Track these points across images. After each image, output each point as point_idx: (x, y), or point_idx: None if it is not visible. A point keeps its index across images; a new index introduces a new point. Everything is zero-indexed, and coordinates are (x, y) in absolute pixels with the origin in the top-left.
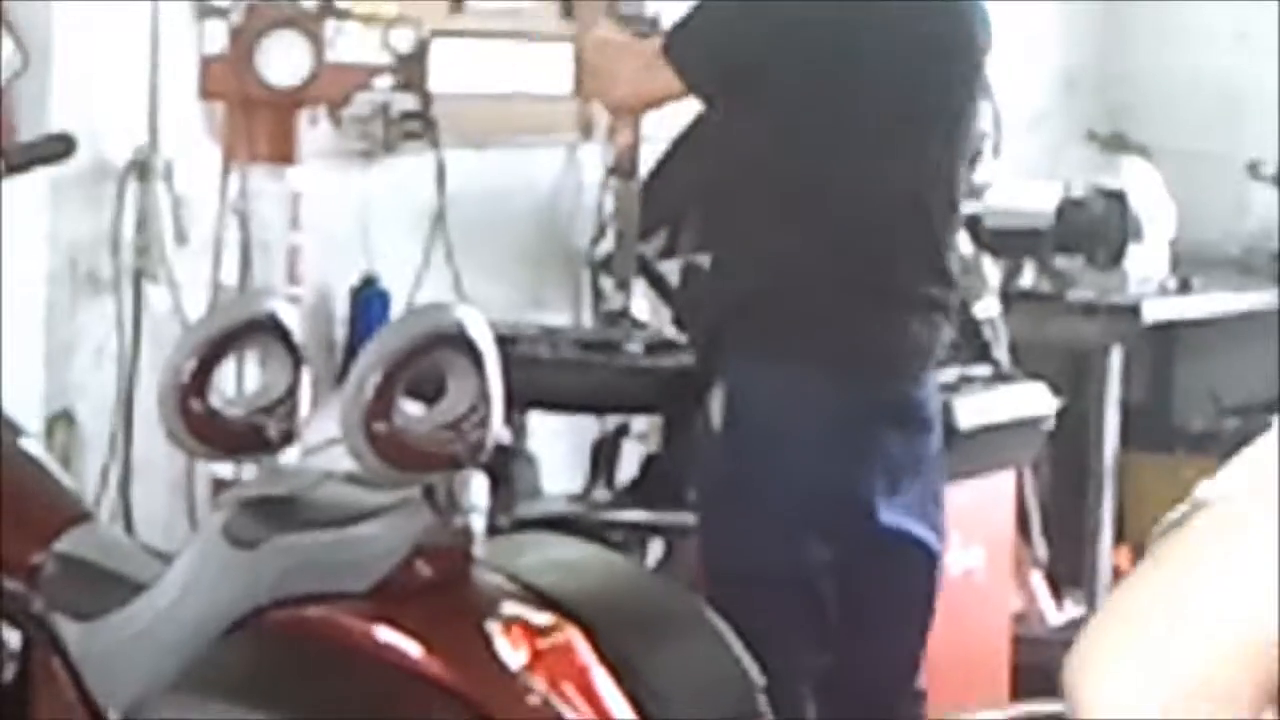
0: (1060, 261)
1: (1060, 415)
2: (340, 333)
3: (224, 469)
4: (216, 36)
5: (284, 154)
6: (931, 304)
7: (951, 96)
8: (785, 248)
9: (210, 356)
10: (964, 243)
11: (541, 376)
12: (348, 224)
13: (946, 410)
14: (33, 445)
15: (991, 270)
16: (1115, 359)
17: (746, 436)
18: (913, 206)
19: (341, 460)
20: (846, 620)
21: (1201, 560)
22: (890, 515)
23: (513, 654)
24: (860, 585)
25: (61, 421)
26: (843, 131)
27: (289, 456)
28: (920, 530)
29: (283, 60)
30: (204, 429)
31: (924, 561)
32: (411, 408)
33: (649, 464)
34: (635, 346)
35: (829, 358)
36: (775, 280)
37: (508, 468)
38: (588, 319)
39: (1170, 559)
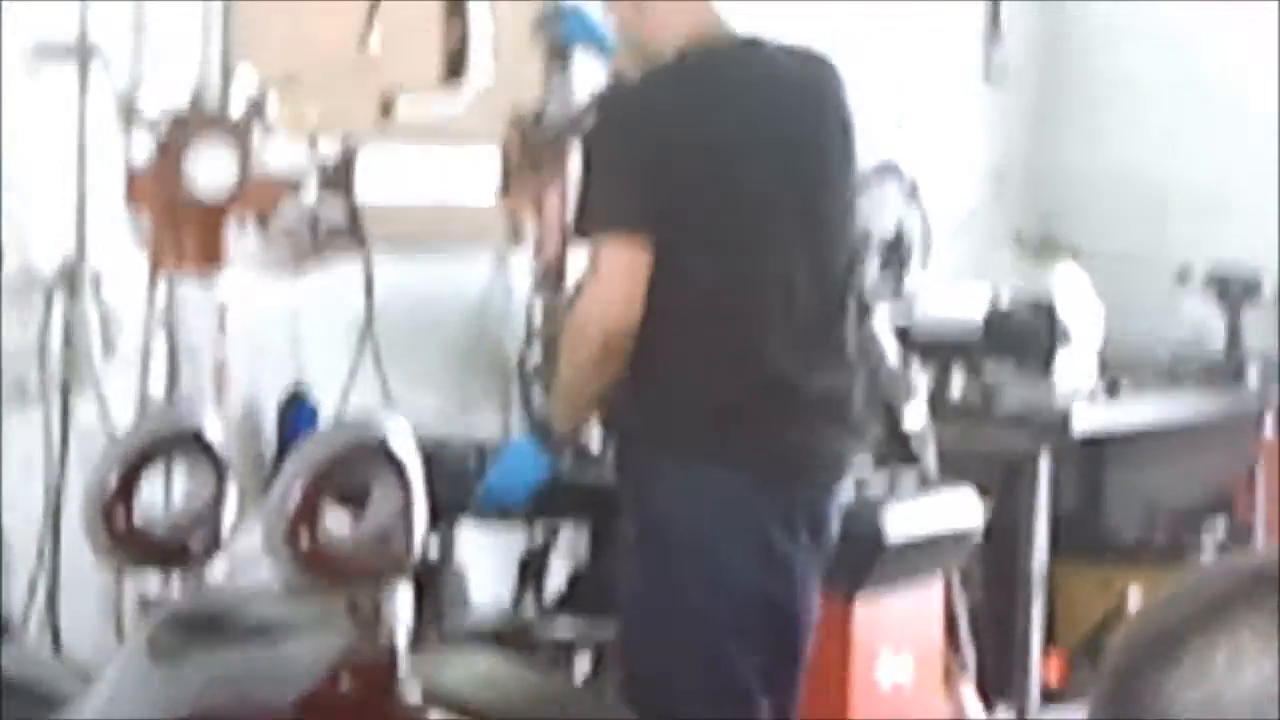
0: (989, 370)
1: (990, 523)
2: (268, 444)
3: (151, 582)
4: (144, 145)
5: (211, 263)
6: (841, 413)
7: (840, 183)
8: (695, 356)
9: (135, 468)
10: (892, 351)
11: (469, 487)
12: (276, 333)
13: (875, 520)
14: None
15: (920, 379)
16: (1044, 467)
17: (661, 545)
18: (819, 307)
19: (268, 574)
20: None
21: None
22: (807, 620)
23: None
24: (783, 693)
25: None
26: (743, 239)
27: (215, 569)
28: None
29: (210, 169)
30: (129, 542)
31: None
32: (337, 517)
33: (577, 577)
34: (562, 456)
35: (741, 464)
36: (684, 388)
37: (436, 580)
38: (517, 427)
39: None
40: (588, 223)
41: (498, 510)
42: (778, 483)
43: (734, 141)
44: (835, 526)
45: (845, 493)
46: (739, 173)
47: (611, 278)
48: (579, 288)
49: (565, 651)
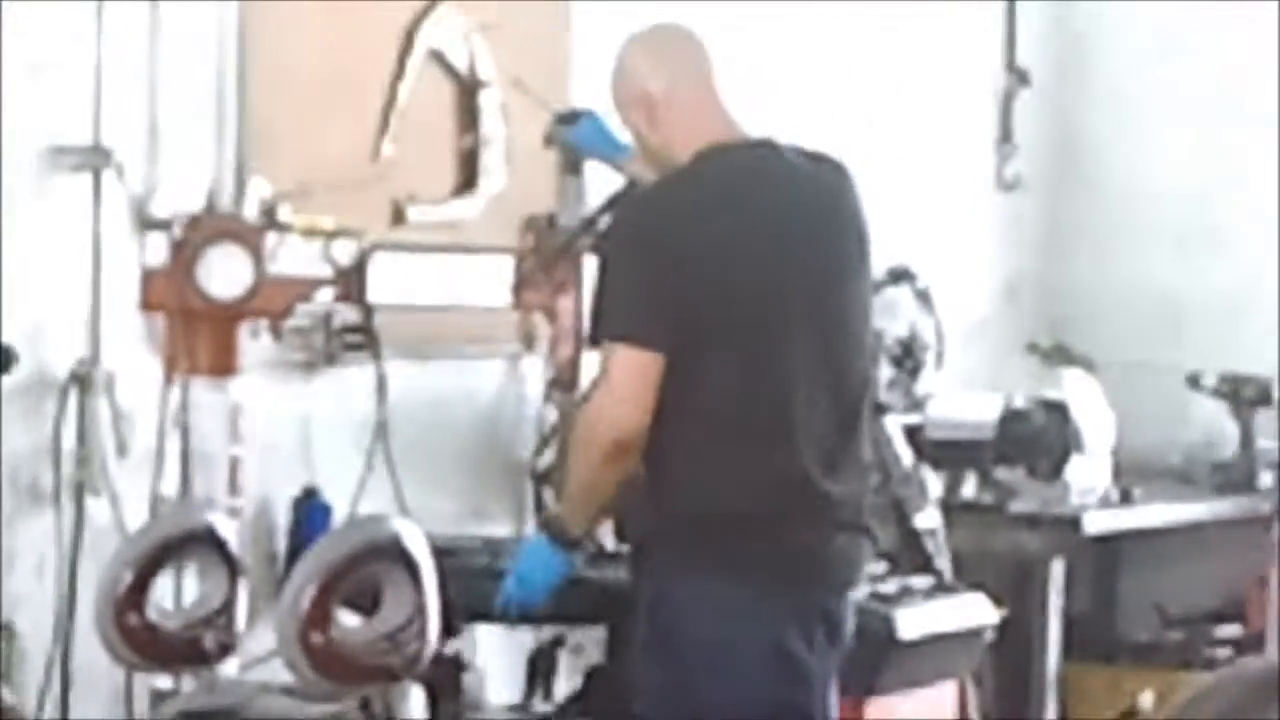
0: (1001, 473)
1: (1002, 626)
2: (281, 544)
3: (163, 680)
4: (158, 249)
5: (225, 366)
6: (857, 519)
7: (856, 287)
8: (709, 463)
9: (147, 568)
10: (905, 454)
11: (482, 588)
12: (289, 435)
13: (887, 621)
14: None
15: (933, 481)
16: (1057, 570)
17: (676, 651)
18: (834, 412)
19: (280, 672)
20: None
21: None
22: None
23: None
24: None
25: (2, 633)
26: (759, 345)
27: (227, 668)
28: None
29: (224, 273)
30: (140, 641)
31: None
32: (349, 618)
33: (592, 675)
34: (577, 558)
35: (754, 571)
36: (697, 494)
37: (453, 680)
38: (530, 531)
39: None
40: (601, 330)
41: (520, 615)
42: (792, 588)
43: (748, 246)
44: (850, 627)
45: (858, 594)
46: (754, 278)
47: (623, 381)
48: (591, 389)
49: None
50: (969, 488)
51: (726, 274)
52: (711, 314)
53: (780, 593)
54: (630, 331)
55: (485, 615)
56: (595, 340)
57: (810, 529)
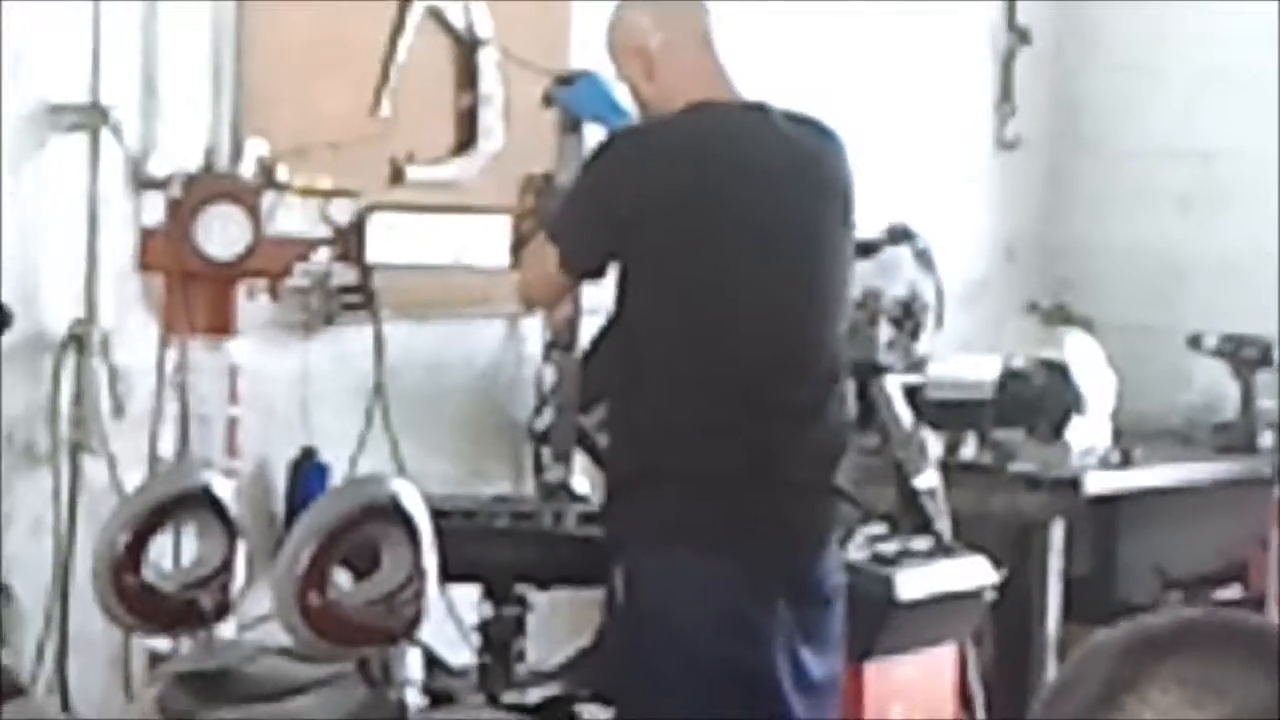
0: (1001, 434)
1: (1002, 588)
2: (279, 505)
3: (160, 642)
4: (155, 208)
5: (222, 326)
6: (822, 484)
7: (834, 252)
8: (668, 424)
9: (145, 530)
10: (905, 414)
11: (479, 548)
12: (287, 396)
13: (886, 582)
14: None
15: (932, 442)
16: (1057, 531)
17: (646, 614)
18: (804, 382)
19: (278, 634)
20: None
21: None
22: (795, 695)
23: None
24: None
25: None
26: (729, 308)
27: (225, 629)
28: (825, 709)
29: (221, 233)
30: (138, 603)
31: None
32: (347, 579)
33: (601, 635)
34: (573, 518)
35: (722, 535)
36: (653, 455)
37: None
38: (528, 491)
39: None
40: (553, 229)
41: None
42: (744, 554)
43: (715, 199)
44: (834, 585)
45: (852, 553)
46: (716, 233)
47: (544, 277)
48: (531, 252)
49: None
50: (969, 449)
51: (693, 223)
52: (671, 260)
53: (732, 554)
54: (574, 249)
55: (480, 577)
56: (549, 233)
57: (770, 493)
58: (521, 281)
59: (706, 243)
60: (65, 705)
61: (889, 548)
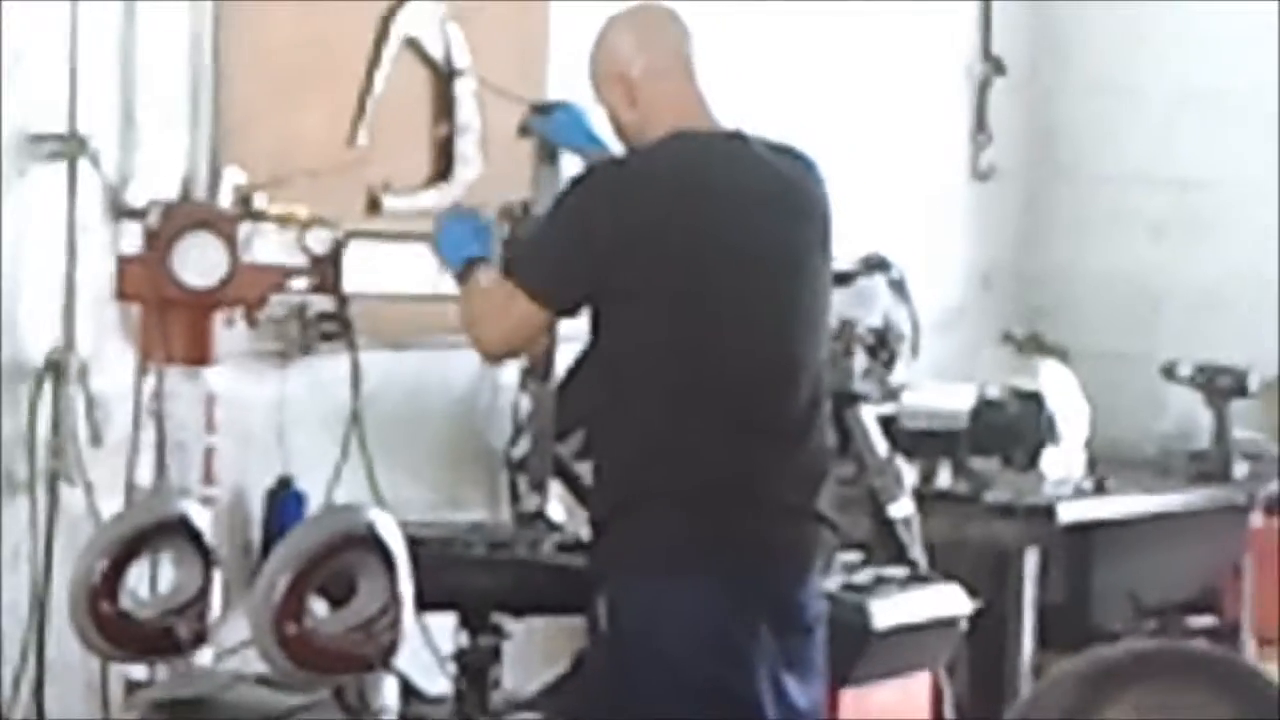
0: (976, 463)
1: (977, 616)
2: (256, 534)
3: (138, 669)
4: (133, 237)
5: (200, 355)
6: (805, 508)
7: (819, 282)
8: (653, 451)
9: (122, 557)
10: (880, 443)
11: (455, 577)
12: (264, 425)
13: (862, 611)
14: None
15: (907, 471)
16: (1032, 560)
17: (630, 638)
18: (787, 409)
19: (255, 662)
20: None
21: None
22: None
23: None
24: None
25: None
26: (712, 333)
27: (201, 658)
28: None
29: (199, 261)
30: (115, 631)
31: None
32: (323, 608)
33: (579, 662)
34: (549, 547)
35: (707, 558)
36: (640, 482)
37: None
38: (505, 519)
39: None
40: (512, 263)
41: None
42: (728, 577)
43: (694, 229)
44: (817, 613)
45: (827, 582)
46: (705, 256)
47: (505, 316)
48: (488, 294)
49: None
50: (943, 478)
51: (668, 251)
52: (652, 291)
53: (716, 577)
54: (533, 282)
55: (458, 605)
56: (508, 270)
57: (755, 517)
58: (487, 337)
59: (688, 269)
60: None
61: (864, 576)
